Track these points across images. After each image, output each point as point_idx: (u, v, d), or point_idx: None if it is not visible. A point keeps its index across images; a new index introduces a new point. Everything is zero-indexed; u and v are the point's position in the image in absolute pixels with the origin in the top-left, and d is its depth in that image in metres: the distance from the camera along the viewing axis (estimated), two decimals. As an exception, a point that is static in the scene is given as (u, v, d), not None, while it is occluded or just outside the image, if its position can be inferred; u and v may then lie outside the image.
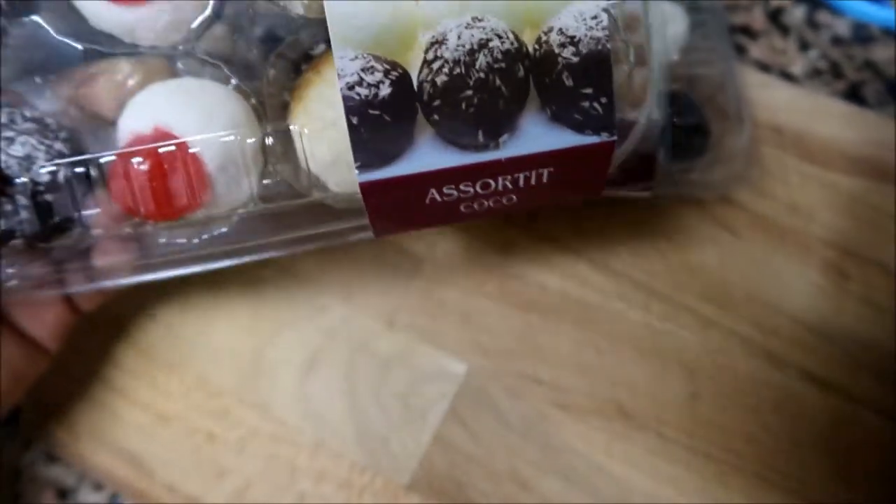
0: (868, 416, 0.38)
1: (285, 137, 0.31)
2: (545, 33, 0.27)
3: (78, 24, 0.29)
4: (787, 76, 0.54)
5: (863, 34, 0.58)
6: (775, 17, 0.58)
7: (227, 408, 0.38)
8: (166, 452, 0.36)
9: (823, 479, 0.37)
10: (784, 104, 0.50)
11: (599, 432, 0.37)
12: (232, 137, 0.29)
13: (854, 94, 0.53)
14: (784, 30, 0.57)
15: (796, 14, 0.58)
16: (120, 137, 0.29)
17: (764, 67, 0.53)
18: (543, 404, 0.38)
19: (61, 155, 0.29)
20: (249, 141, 0.30)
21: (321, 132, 0.30)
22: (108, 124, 0.30)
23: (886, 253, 0.43)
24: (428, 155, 0.28)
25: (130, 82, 0.30)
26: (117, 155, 0.29)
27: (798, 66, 0.54)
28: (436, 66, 0.27)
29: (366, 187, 0.28)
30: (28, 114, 0.29)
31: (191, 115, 0.29)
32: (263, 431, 0.37)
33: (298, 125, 0.30)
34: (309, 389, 0.38)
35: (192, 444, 0.37)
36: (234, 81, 0.31)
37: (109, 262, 0.31)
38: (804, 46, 0.56)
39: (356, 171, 0.28)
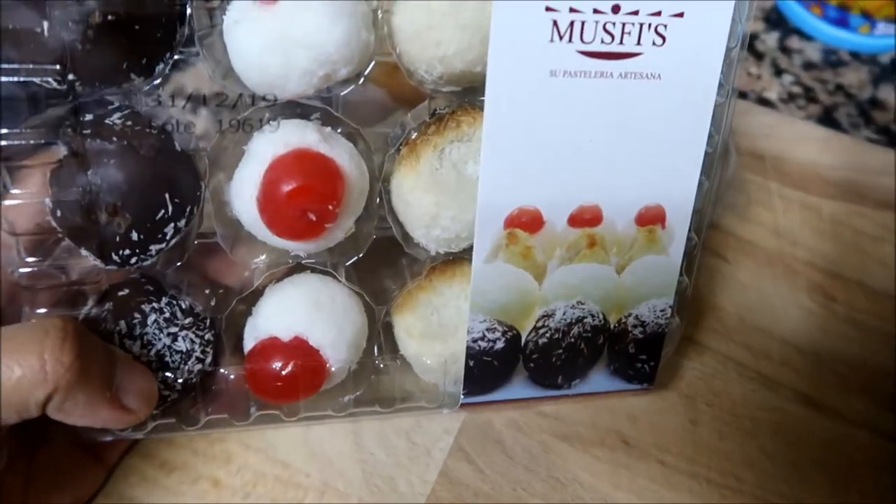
0: (861, 434, 0.37)
1: (390, 333, 0.35)
2: (625, 317, 0.35)
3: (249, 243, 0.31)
4: (764, 101, 0.55)
5: (833, 59, 0.59)
6: (749, 43, 0.59)
7: (231, 453, 0.35)
8: (171, 501, 0.36)
9: (821, 499, 0.35)
10: (763, 130, 0.51)
11: (603, 463, 0.36)
12: (355, 344, 0.33)
13: (828, 118, 0.55)
14: (758, 56, 0.58)
15: (769, 40, 0.59)
16: (259, 334, 0.32)
17: (741, 94, 0.55)
18: (547, 436, 0.37)
19: (210, 343, 0.32)
20: (364, 343, 0.33)
21: (427, 336, 0.34)
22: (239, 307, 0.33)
23: (869, 274, 0.43)
24: (517, 390, 0.35)
25: (258, 264, 0.33)
26: (259, 355, 0.32)
27: (773, 92, 0.56)
28: (542, 331, 0.34)
29: (465, 404, 0.35)
30: (184, 305, 0.31)
31: (325, 329, 0.31)
32: (268, 475, 0.35)
33: (406, 325, 0.34)
34: (312, 431, 0.36)
35: (197, 491, 0.35)
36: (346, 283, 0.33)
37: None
38: (778, 72, 0.57)
39: (462, 395, 0.35)
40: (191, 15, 0.27)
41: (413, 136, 0.31)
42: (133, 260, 0.28)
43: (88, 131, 0.27)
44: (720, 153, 0.33)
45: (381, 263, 0.35)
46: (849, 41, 0.57)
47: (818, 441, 0.37)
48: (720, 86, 0.30)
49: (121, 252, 0.28)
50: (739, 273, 0.43)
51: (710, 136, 0.32)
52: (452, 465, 0.36)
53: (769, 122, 0.50)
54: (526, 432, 0.37)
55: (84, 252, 0.28)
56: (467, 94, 0.31)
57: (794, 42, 0.58)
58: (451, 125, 0.31)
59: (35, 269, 0.29)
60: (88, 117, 0.27)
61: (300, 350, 0.31)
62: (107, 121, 0.27)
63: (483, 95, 0.28)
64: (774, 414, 0.38)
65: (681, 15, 0.28)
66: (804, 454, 0.37)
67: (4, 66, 0.25)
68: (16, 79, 0.25)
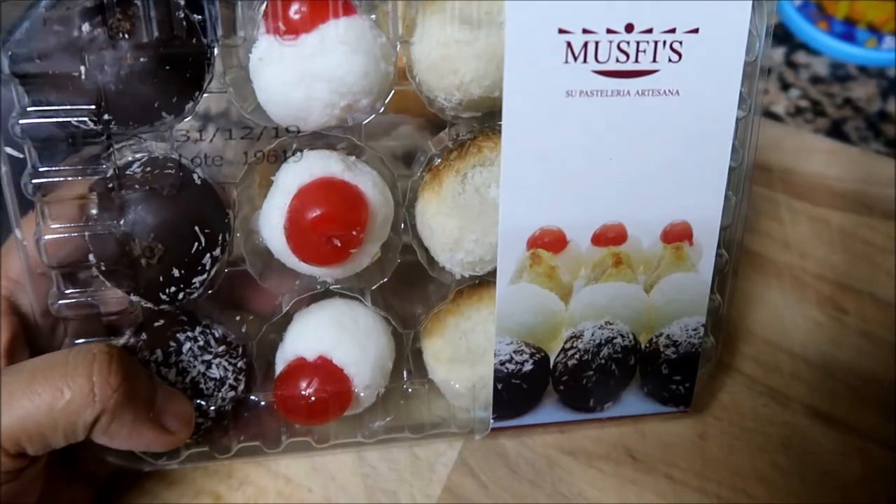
0: (872, 448, 0.36)
1: (419, 358, 0.35)
2: (656, 337, 0.34)
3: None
4: (771, 115, 0.55)
5: (840, 73, 0.58)
6: (755, 58, 0.59)
7: (233, 467, 0.35)
8: (171, 516, 0.35)
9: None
10: (771, 143, 0.51)
11: (609, 477, 0.35)
12: (380, 365, 0.33)
13: (837, 131, 0.54)
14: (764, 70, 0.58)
15: (775, 55, 0.59)
16: (287, 356, 0.32)
17: (746, 108, 0.54)
18: (552, 450, 0.35)
19: (242, 371, 0.32)
20: (390, 365, 0.33)
21: (455, 361, 0.34)
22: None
23: (880, 285, 0.42)
24: (549, 413, 0.35)
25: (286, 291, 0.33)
26: (287, 376, 0.32)
27: (780, 106, 0.55)
28: (570, 352, 0.33)
29: (496, 428, 0.34)
30: (217, 333, 0.32)
31: (349, 349, 0.32)
32: (270, 490, 0.34)
33: (435, 350, 0.34)
34: (315, 445, 0.37)
35: (198, 507, 0.34)
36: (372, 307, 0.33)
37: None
38: (785, 86, 0.57)
39: (492, 420, 0.34)
40: (218, 55, 0.28)
41: (436, 162, 0.31)
42: (181, 296, 0.29)
43: (113, 185, 0.27)
44: (748, 168, 0.32)
45: (410, 288, 0.34)
46: (856, 55, 0.57)
47: (829, 455, 0.36)
48: (742, 99, 0.30)
49: (167, 290, 0.29)
50: (748, 285, 0.43)
51: (735, 151, 0.31)
52: (456, 479, 0.35)
53: (777, 134, 0.50)
54: (530, 446, 0.36)
55: (134, 298, 0.29)
56: (488, 118, 0.31)
57: (800, 57, 0.58)
58: (473, 150, 0.30)
59: (73, 300, 0.29)
60: (110, 173, 0.28)
61: (325, 369, 0.31)
62: (128, 171, 0.28)
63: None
64: (785, 428, 0.37)
65: (696, 31, 0.28)
66: (815, 469, 0.35)
67: (45, 108, 0.26)
68: (56, 119, 0.26)
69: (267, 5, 0.27)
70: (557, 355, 0.33)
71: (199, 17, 0.27)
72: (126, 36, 0.26)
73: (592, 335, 0.33)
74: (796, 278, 0.43)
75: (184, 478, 0.35)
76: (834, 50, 0.57)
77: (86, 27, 0.25)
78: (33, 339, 0.30)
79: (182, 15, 0.26)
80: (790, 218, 0.46)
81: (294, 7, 0.27)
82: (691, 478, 0.35)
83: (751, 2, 0.28)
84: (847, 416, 0.37)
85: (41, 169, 0.27)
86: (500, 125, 0.29)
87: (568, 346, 0.33)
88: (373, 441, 0.34)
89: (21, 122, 0.26)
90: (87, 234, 0.28)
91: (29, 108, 0.26)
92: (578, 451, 0.36)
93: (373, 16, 0.28)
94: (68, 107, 0.26)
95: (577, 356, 0.33)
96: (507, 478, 0.35)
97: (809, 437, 0.37)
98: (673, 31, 0.28)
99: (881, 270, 0.43)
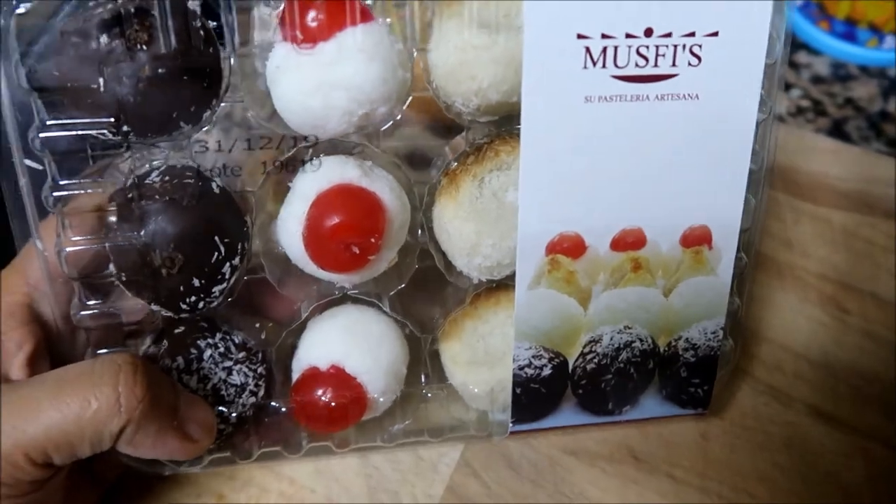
0: (875, 448, 0.36)
1: (437, 361, 0.35)
2: (675, 340, 0.34)
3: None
4: (773, 115, 0.55)
5: (841, 73, 0.59)
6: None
7: (236, 468, 0.34)
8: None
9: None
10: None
11: (611, 477, 0.35)
12: (393, 371, 0.33)
13: (838, 131, 0.55)
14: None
15: (776, 55, 0.59)
16: (301, 366, 0.33)
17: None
18: (554, 450, 0.35)
19: (262, 376, 0.32)
20: (404, 370, 0.33)
21: (473, 364, 0.34)
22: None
23: (882, 285, 0.42)
24: (567, 416, 0.35)
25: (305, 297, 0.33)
26: (301, 385, 0.32)
27: (782, 106, 0.56)
28: (589, 357, 0.33)
29: (514, 431, 0.34)
30: (237, 340, 0.32)
31: (361, 357, 0.32)
32: (273, 491, 0.34)
33: (452, 353, 0.34)
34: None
35: (199, 507, 0.33)
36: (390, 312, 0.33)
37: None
38: (786, 86, 0.58)
39: (510, 423, 0.34)
40: (235, 64, 0.28)
41: (453, 167, 0.31)
42: (200, 305, 0.29)
43: (132, 195, 0.28)
44: (766, 170, 0.32)
45: (427, 293, 0.34)
46: (857, 55, 0.57)
47: (832, 455, 0.36)
48: (762, 102, 0.30)
49: (187, 300, 0.29)
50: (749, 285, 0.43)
51: (755, 154, 0.31)
52: (458, 480, 0.35)
53: (778, 133, 0.50)
54: (533, 446, 0.36)
55: (154, 307, 0.29)
56: (505, 122, 0.31)
57: (801, 57, 0.58)
58: (490, 154, 0.30)
59: (95, 310, 0.29)
60: (130, 182, 0.28)
61: (338, 378, 0.31)
62: (146, 181, 0.28)
63: (520, 124, 0.28)
64: (787, 427, 0.37)
65: (715, 34, 0.28)
66: (817, 468, 0.35)
67: (65, 121, 0.26)
68: (75, 132, 0.26)
69: (283, 12, 0.27)
70: (576, 360, 0.33)
71: (215, 24, 0.27)
72: (144, 47, 0.26)
73: (611, 339, 0.33)
74: (798, 278, 0.43)
75: (187, 478, 0.35)
76: (835, 50, 0.58)
77: (104, 39, 0.26)
78: (54, 345, 0.30)
79: (199, 24, 0.26)
80: (792, 218, 0.46)
81: (311, 15, 0.27)
82: (693, 477, 0.36)
83: (771, 3, 0.28)
84: (849, 416, 0.37)
85: (61, 182, 0.27)
86: (516, 129, 0.29)
87: (587, 350, 0.33)
88: (392, 445, 0.35)
89: (41, 135, 0.26)
90: (107, 244, 0.28)
91: (48, 122, 0.26)
92: (581, 450, 0.36)
93: (388, 20, 0.29)
94: (87, 119, 0.26)
95: (595, 360, 0.33)
96: (509, 478, 0.35)
97: (812, 436, 0.37)
98: (692, 34, 0.28)
99: (883, 270, 0.44)
